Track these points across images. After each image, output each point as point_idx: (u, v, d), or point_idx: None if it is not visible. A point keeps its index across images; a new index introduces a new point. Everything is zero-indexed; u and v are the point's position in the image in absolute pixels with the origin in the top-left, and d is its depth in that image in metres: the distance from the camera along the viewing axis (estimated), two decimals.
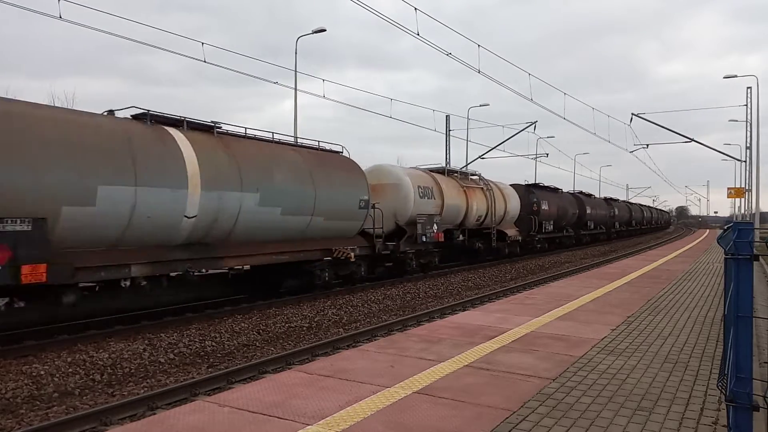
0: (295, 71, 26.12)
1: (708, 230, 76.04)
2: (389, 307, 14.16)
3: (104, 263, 9.90)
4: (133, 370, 8.39)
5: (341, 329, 11.53)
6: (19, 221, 8.43)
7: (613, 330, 7.81)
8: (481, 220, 23.82)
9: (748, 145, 37.98)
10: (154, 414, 5.97)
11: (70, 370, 8.11)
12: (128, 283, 10.37)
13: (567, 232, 36.74)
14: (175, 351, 9.34)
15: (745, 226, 3.40)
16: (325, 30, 26.12)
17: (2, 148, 8.48)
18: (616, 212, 50.99)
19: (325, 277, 14.94)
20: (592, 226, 42.71)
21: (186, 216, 11.06)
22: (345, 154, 16.77)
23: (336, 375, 5.58)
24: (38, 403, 7.04)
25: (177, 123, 11.82)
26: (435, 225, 19.30)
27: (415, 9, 16.44)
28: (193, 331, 10.56)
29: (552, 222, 32.56)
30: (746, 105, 37.73)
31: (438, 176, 21.32)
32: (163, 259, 10.93)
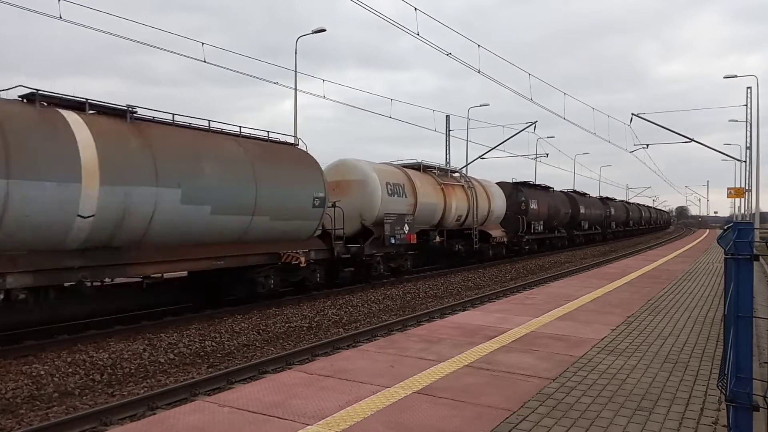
0: (295, 71, 26.13)
1: (708, 230, 76.05)
2: (389, 307, 14.16)
3: None
4: (133, 370, 8.39)
5: (341, 329, 11.54)
6: None
7: (613, 330, 7.81)
8: (461, 220, 22.24)
9: (748, 145, 38.01)
10: (154, 414, 5.97)
11: (70, 370, 8.11)
12: (1, 296, 8.64)
13: (559, 232, 35.26)
14: (175, 351, 9.34)
15: (745, 226, 3.40)
16: (325, 30, 26.11)
17: None
18: (612, 212, 49.54)
19: (270, 285, 13.27)
20: (587, 227, 41.29)
21: (80, 215, 9.31)
22: (302, 147, 15.19)
23: (336, 375, 5.58)
24: (38, 403, 7.04)
25: (77, 106, 10.10)
26: (406, 225, 17.75)
27: (415, 9, 16.45)
28: (193, 331, 10.56)
29: (542, 222, 31.07)
30: (746, 105, 37.75)
31: (412, 172, 19.73)
32: (50, 267, 9.18)
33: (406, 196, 18.48)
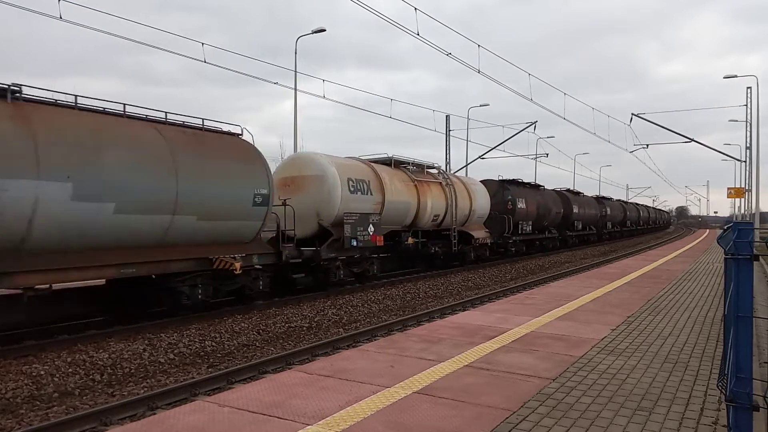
0: (295, 71, 26.14)
1: (708, 230, 76.06)
2: (389, 307, 14.16)
3: None
4: (133, 370, 8.39)
5: (341, 329, 11.54)
6: None
7: (613, 330, 7.81)
8: (438, 220, 20.65)
9: (748, 145, 38.03)
10: (154, 414, 5.97)
11: (70, 370, 8.11)
12: None
13: (550, 233, 33.50)
14: (175, 351, 9.34)
15: (745, 226, 3.40)
16: (324, 30, 26.14)
17: None
18: (608, 212, 48.03)
19: (197, 295, 11.48)
20: (580, 227, 39.38)
21: None
22: (248, 138, 13.31)
23: (336, 375, 5.58)
24: (38, 403, 7.04)
25: None
26: (371, 226, 16.12)
27: (415, 9, 16.45)
28: (193, 331, 10.56)
29: (530, 222, 29.37)
30: (746, 105, 37.77)
31: (380, 168, 17.96)
32: None
33: (371, 194, 16.81)
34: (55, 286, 9.51)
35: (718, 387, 4.50)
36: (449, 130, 41.32)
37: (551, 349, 6.64)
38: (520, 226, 27.85)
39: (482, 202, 24.00)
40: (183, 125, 11.85)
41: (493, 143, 46.60)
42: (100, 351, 8.98)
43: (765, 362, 6.84)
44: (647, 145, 39.49)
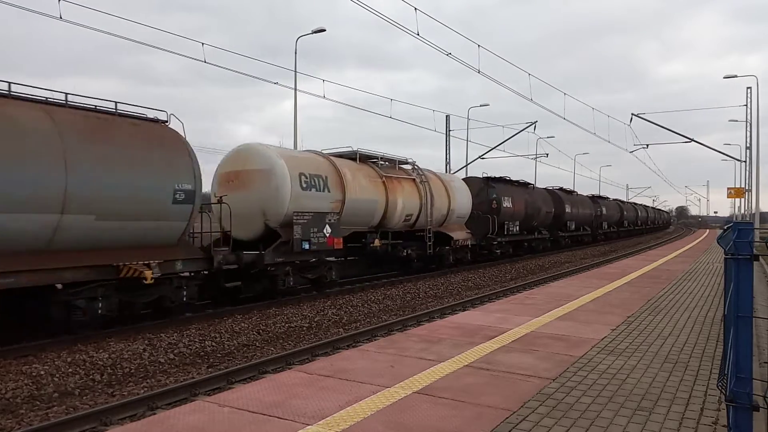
0: (295, 71, 26.13)
1: (708, 230, 76.07)
2: (389, 307, 14.16)
3: None
4: (133, 370, 8.39)
5: (341, 329, 11.54)
6: None
7: (613, 330, 7.81)
8: (411, 220, 19.05)
9: (748, 145, 38.03)
10: (154, 414, 5.97)
11: (70, 370, 8.11)
12: None
13: (540, 234, 31.74)
14: (175, 351, 9.34)
15: (745, 226, 3.41)
16: (324, 30, 26.14)
17: None
18: (604, 211, 46.17)
19: (97, 310, 9.73)
20: (573, 227, 37.65)
21: None
22: (179, 127, 11.60)
23: (336, 375, 5.58)
24: (38, 403, 7.04)
25: None
26: (328, 227, 14.57)
27: (415, 9, 16.45)
28: (193, 331, 10.56)
29: (517, 223, 27.59)
30: (746, 105, 37.77)
31: (342, 162, 16.30)
32: None
33: (329, 191, 15.12)
34: None
35: (718, 387, 4.50)
36: (449, 130, 41.35)
37: (551, 349, 6.64)
38: (506, 226, 26.28)
39: (463, 200, 22.35)
40: (93, 109, 10.23)
41: (493, 143, 46.60)
42: (100, 351, 8.98)
43: (765, 362, 6.84)
44: (647, 145, 39.50)
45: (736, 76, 35.92)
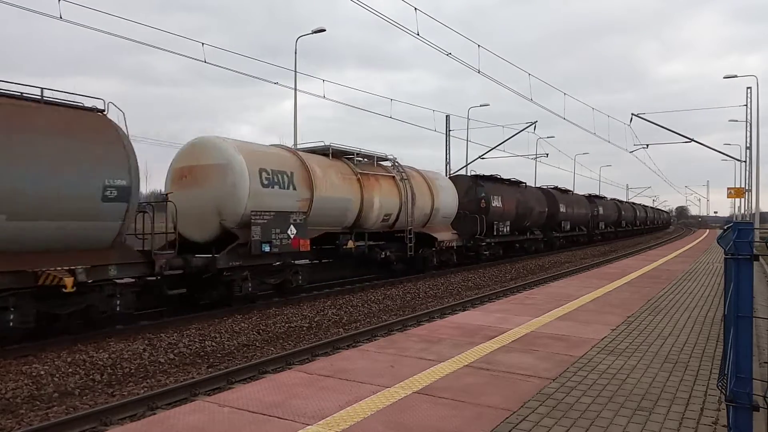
0: (295, 71, 26.14)
1: (708, 230, 76.09)
2: (389, 307, 14.17)
3: None
4: (133, 370, 8.39)
5: (341, 329, 11.54)
6: None
7: (613, 330, 7.81)
8: (390, 220, 17.78)
9: (748, 145, 38.04)
10: (154, 414, 5.97)
11: (70, 370, 8.11)
12: None
13: (532, 234, 30.52)
14: (175, 351, 9.34)
15: (745, 226, 3.41)
16: (324, 30, 26.15)
17: None
18: (601, 211, 44.82)
19: (8, 322, 8.64)
20: (568, 227, 36.34)
21: None
22: (118, 117, 10.42)
23: (336, 375, 5.58)
24: (38, 403, 7.04)
25: None
26: (293, 227, 13.37)
27: (415, 9, 16.46)
28: (193, 331, 10.57)
29: (508, 223, 26.40)
30: (746, 105, 37.77)
31: (311, 158, 15.19)
32: None
33: (294, 188, 13.88)
34: None
35: (718, 387, 4.50)
36: (449, 130, 41.35)
37: (551, 349, 6.64)
38: (495, 226, 25.12)
39: (448, 199, 21.19)
40: (13, 95, 9.16)
41: (493, 143, 46.55)
42: (100, 351, 8.98)
43: (765, 362, 6.84)
44: (647, 145, 39.46)
45: (736, 76, 35.93)
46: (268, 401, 4.78)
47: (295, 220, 13.54)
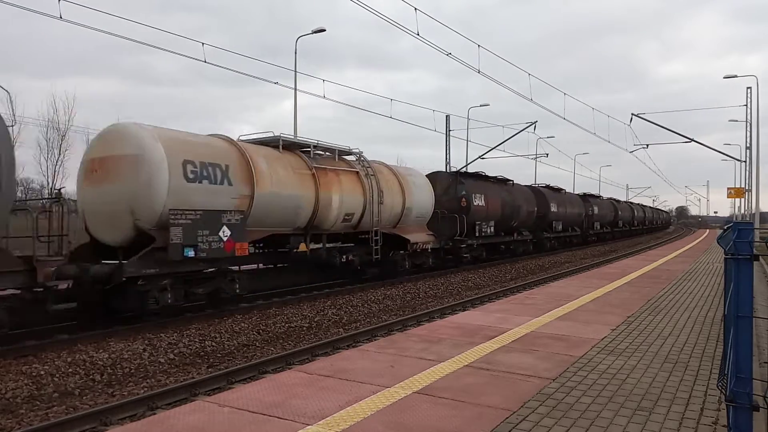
0: (295, 71, 26.13)
1: (708, 230, 76.10)
2: (389, 307, 14.17)
3: None
4: (133, 370, 8.40)
5: (341, 329, 11.54)
6: None
7: (613, 330, 7.81)
8: (353, 220, 16.06)
9: (748, 145, 38.02)
10: (154, 414, 5.97)
11: (70, 370, 8.11)
12: None
13: (520, 235, 28.59)
14: (175, 351, 9.34)
15: (745, 226, 3.41)
16: (324, 30, 26.15)
17: None
18: (595, 211, 42.83)
19: None
20: (560, 228, 34.48)
21: None
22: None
23: (336, 375, 5.58)
24: (38, 403, 7.04)
25: None
26: (226, 228, 11.63)
27: (415, 9, 16.45)
28: (193, 331, 10.56)
29: (492, 223, 24.53)
30: (746, 105, 37.76)
31: (255, 149, 13.36)
32: None
33: (230, 184, 12.09)
34: None
35: (718, 387, 4.50)
36: (449, 130, 41.34)
37: (551, 349, 6.64)
38: (478, 227, 23.38)
39: (422, 197, 19.47)
40: None
41: (493, 143, 46.45)
42: (100, 351, 8.98)
43: (765, 362, 6.84)
44: (647, 145, 39.37)
45: (736, 76, 35.92)
46: (268, 401, 4.78)
47: (229, 220, 11.74)
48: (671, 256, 23.86)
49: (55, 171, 41.88)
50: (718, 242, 4.39)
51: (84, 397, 7.30)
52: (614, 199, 56.07)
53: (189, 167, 11.30)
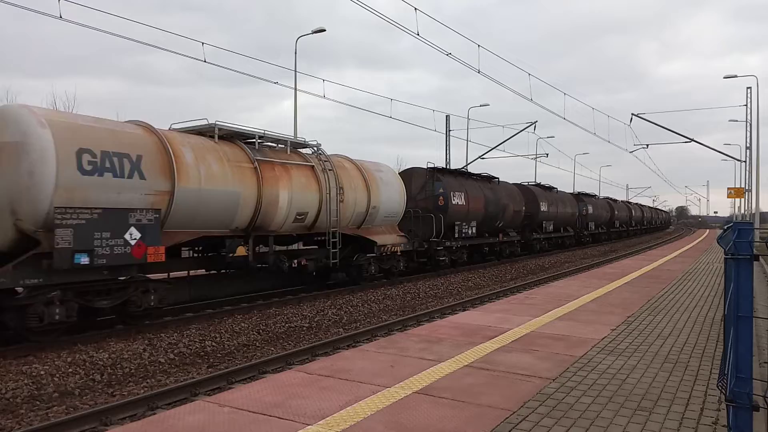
0: (295, 71, 26.11)
1: (708, 230, 76.11)
2: (389, 307, 14.16)
3: None
4: (133, 370, 8.40)
5: (341, 329, 11.54)
6: None
7: (613, 330, 7.81)
8: (307, 221, 14.31)
9: (748, 145, 38.04)
10: (154, 414, 5.97)
11: (70, 370, 8.11)
12: None
13: (506, 236, 26.81)
14: (175, 351, 9.34)
15: (745, 226, 3.41)
16: (324, 30, 26.14)
17: None
18: (590, 210, 40.87)
19: None
20: (551, 228, 32.62)
21: None
22: None
23: (336, 375, 5.58)
24: (38, 403, 7.04)
25: None
26: (134, 229, 9.89)
27: (415, 9, 16.46)
28: (193, 331, 10.56)
29: (474, 223, 22.89)
30: (746, 105, 37.77)
31: (179, 138, 11.46)
32: None
33: (142, 177, 10.23)
34: None
35: (718, 387, 4.50)
36: (449, 130, 41.35)
37: (551, 349, 6.64)
38: (457, 227, 21.71)
39: (392, 195, 17.56)
40: None
41: (493, 143, 46.50)
42: (100, 351, 8.98)
43: (765, 362, 6.84)
44: (647, 145, 39.47)
45: (736, 76, 35.91)
46: (268, 401, 4.78)
47: (139, 221, 10.00)
48: (671, 256, 23.86)
49: None
50: (718, 242, 4.39)
51: (84, 397, 7.30)
52: (611, 199, 54.65)
53: (86, 157, 9.53)
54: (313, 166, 14.68)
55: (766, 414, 4.11)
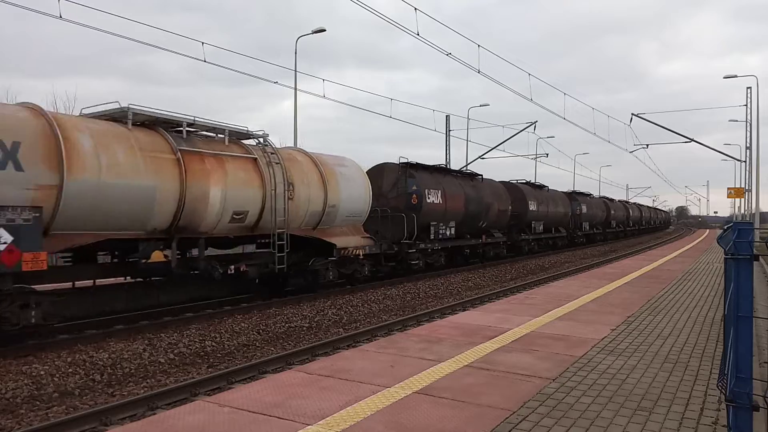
0: (295, 71, 26.10)
1: (708, 230, 76.11)
2: (389, 307, 14.17)
3: None
4: (133, 370, 8.40)
5: (341, 329, 11.54)
6: None
7: (613, 330, 7.81)
8: (247, 221, 12.56)
9: (748, 145, 38.05)
10: (154, 414, 5.97)
11: (70, 370, 8.11)
12: None
13: (491, 237, 25.01)
14: (175, 351, 9.34)
15: (745, 226, 3.41)
16: (324, 30, 26.13)
17: None
18: (583, 210, 38.95)
19: None
20: (541, 229, 30.80)
21: None
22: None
23: (336, 375, 5.58)
24: (38, 403, 7.04)
25: None
26: (4, 232, 8.31)
27: (415, 9, 16.46)
28: (193, 331, 10.56)
29: (453, 224, 21.13)
30: (746, 105, 37.77)
31: (77, 122, 9.94)
32: None
33: (19, 168, 8.59)
34: None
35: (718, 387, 4.50)
36: (449, 130, 41.35)
37: (551, 349, 6.64)
38: (433, 228, 19.94)
39: (354, 192, 15.77)
40: None
41: (493, 143, 46.48)
42: (100, 351, 8.98)
43: (765, 362, 6.84)
44: (647, 145, 39.48)
45: (736, 76, 35.91)
46: (268, 401, 4.78)
47: (11, 221, 8.39)
48: (671, 256, 23.87)
49: None
50: (718, 242, 4.39)
51: (84, 397, 7.30)
52: (607, 198, 52.81)
53: None
54: (255, 159, 12.77)
55: (766, 414, 4.11)
